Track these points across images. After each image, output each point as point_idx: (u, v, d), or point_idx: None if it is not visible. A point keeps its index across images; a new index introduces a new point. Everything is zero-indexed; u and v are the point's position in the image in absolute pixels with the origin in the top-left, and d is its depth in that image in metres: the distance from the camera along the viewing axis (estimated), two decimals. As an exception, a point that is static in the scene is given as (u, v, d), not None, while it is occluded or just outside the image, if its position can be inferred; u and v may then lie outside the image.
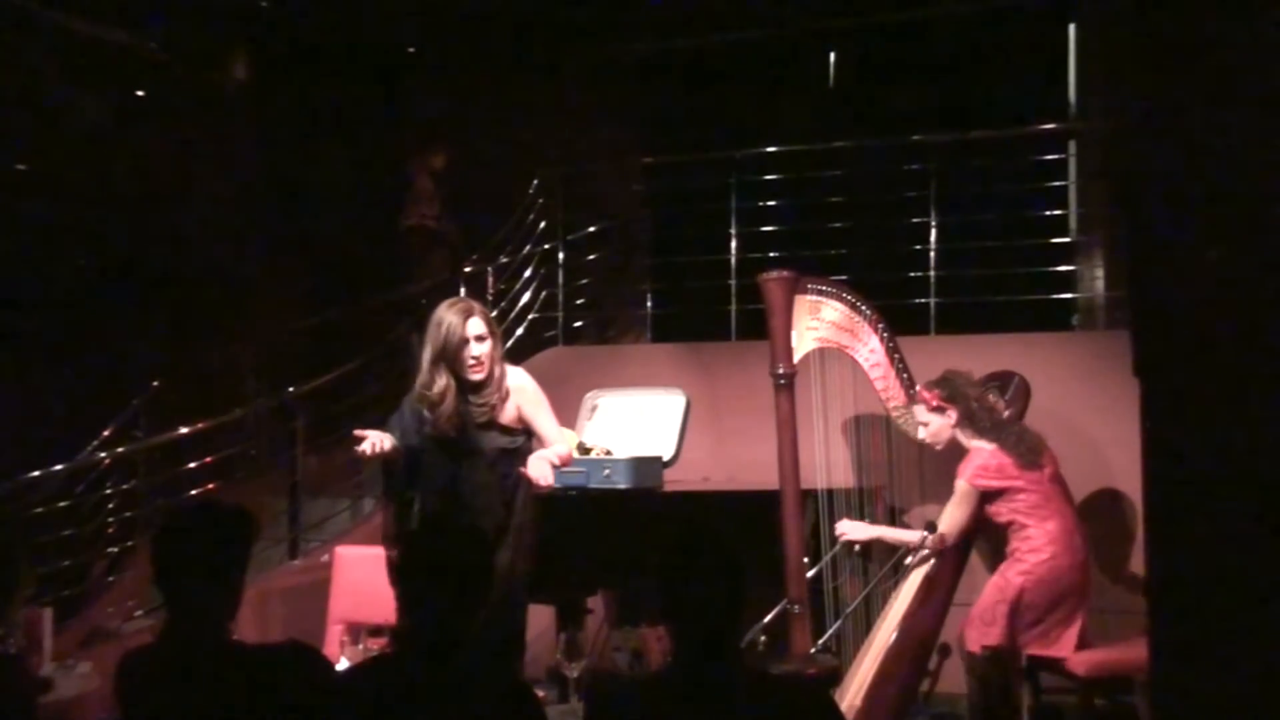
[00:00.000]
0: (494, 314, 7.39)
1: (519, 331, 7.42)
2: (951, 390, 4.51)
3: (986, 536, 5.30)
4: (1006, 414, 4.76)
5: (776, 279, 4.37)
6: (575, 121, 8.45)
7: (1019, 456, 4.40)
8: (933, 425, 4.55)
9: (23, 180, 7.43)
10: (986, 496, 4.42)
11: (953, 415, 4.50)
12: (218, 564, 2.50)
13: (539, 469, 3.84)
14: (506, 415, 3.98)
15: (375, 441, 3.87)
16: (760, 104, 8.44)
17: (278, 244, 8.73)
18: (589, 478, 4.79)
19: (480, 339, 3.87)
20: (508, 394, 3.96)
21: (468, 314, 3.88)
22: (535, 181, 7.61)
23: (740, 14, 8.24)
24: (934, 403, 4.53)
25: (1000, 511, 4.44)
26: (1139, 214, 1.85)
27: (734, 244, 7.09)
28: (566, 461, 4.07)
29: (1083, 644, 4.38)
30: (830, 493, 4.52)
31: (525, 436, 4.03)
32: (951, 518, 4.48)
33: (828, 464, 4.50)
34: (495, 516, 3.86)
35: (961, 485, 4.43)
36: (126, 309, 7.67)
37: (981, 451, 4.45)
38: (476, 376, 3.87)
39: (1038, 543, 4.37)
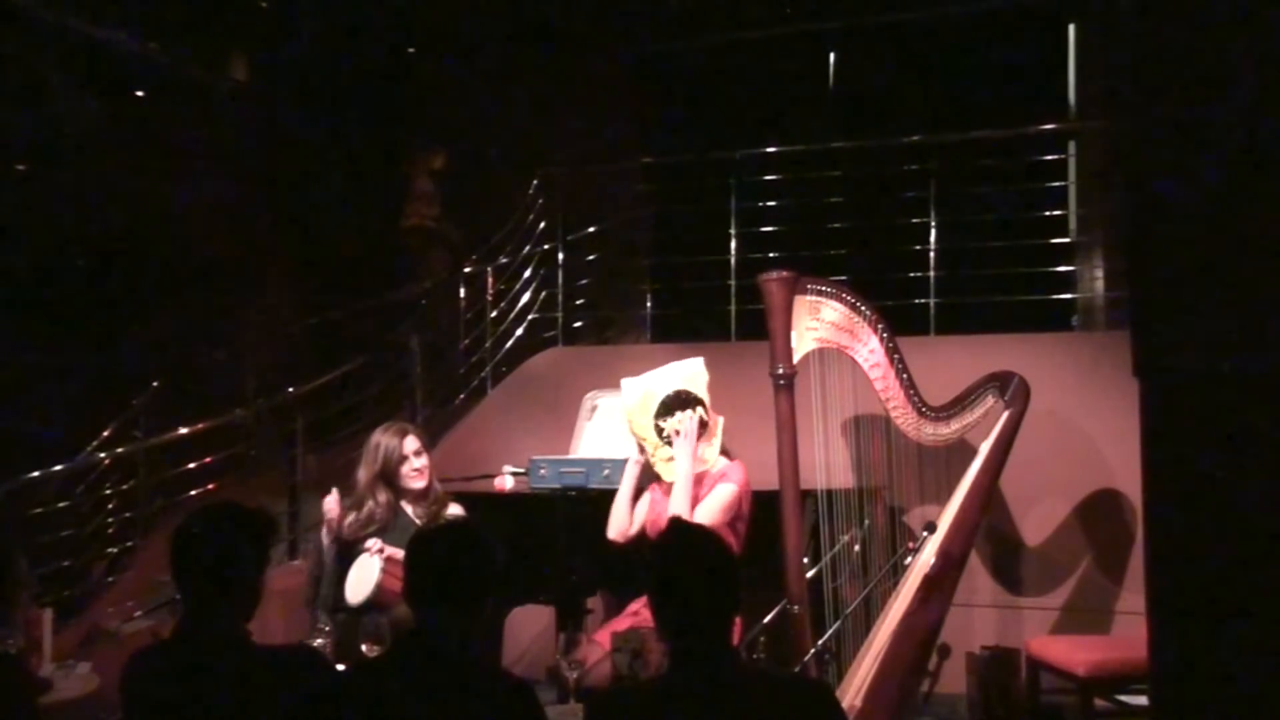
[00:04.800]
0: (494, 314, 7.46)
1: (519, 332, 7.42)
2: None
3: (986, 537, 5.31)
4: (1007, 413, 4.76)
5: (776, 279, 4.36)
6: (575, 121, 8.45)
7: None
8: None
9: (23, 180, 7.43)
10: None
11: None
12: (236, 563, 2.52)
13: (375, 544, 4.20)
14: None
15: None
16: (760, 104, 8.44)
17: (277, 244, 8.73)
18: (589, 478, 4.78)
19: (418, 454, 4.43)
20: (445, 503, 4.47)
21: (404, 434, 4.45)
22: (535, 181, 7.60)
23: (740, 14, 8.24)
24: None
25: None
26: (1139, 214, 1.85)
27: (734, 244, 7.08)
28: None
29: None
30: (830, 493, 4.51)
31: None
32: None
33: (828, 464, 4.48)
34: None
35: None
36: (126, 308, 7.67)
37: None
38: (419, 484, 4.41)
39: None
